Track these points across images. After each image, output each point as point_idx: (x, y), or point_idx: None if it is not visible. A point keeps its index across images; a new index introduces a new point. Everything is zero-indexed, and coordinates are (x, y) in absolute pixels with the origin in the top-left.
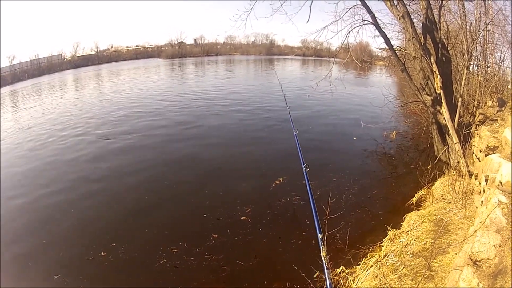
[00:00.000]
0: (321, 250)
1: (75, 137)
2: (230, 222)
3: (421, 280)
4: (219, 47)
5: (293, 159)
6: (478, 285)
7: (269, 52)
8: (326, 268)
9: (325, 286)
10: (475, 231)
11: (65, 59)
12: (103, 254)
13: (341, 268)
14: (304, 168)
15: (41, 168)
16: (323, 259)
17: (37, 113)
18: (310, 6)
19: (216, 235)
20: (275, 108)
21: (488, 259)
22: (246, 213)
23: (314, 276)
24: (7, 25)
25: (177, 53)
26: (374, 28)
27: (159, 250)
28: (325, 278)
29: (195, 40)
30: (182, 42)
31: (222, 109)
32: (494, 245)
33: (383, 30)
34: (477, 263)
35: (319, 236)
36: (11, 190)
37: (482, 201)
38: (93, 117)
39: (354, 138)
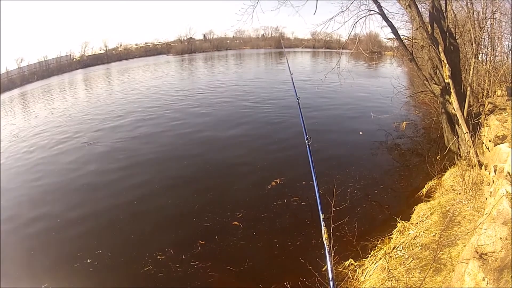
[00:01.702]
0: (323, 231)
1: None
2: (220, 228)
3: (428, 272)
4: (228, 41)
5: (292, 159)
6: (483, 280)
7: (279, 45)
8: (328, 251)
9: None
10: (482, 223)
11: (74, 59)
12: (88, 261)
13: (349, 261)
14: (306, 142)
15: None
16: (324, 241)
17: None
18: None
19: (203, 242)
20: (277, 105)
21: (494, 252)
22: (238, 218)
23: (317, 273)
24: (15, 28)
25: (186, 49)
26: (381, 18)
27: (145, 256)
28: (326, 261)
29: (204, 35)
30: (191, 37)
31: (219, 105)
32: (501, 238)
33: (390, 20)
34: (483, 256)
35: (321, 216)
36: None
37: (491, 192)
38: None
39: (360, 133)
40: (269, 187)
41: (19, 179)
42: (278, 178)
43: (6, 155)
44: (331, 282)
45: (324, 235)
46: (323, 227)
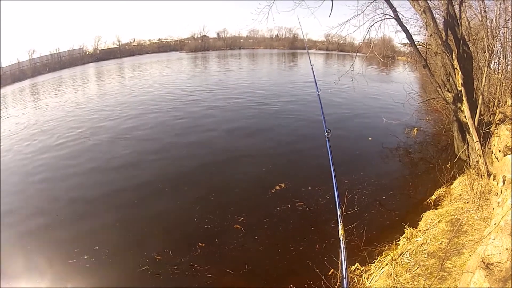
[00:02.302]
0: (339, 227)
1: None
2: (220, 231)
3: (434, 280)
4: (242, 40)
5: (298, 163)
6: None
7: (292, 46)
8: (343, 247)
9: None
10: (489, 233)
11: (87, 53)
12: (85, 257)
13: (356, 265)
14: (326, 134)
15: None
16: (340, 237)
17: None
18: (332, 0)
19: (203, 244)
20: (285, 106)
21: (500, 262)
22: (239, 222)
23: (323, 276)
24: (28, 19)
25: (200, 46)
26: (396, 22)
27: (143, 256)
28: (341, 258)
29: (218, 33)
30: (205, 35)
31: (227, 104)
32: (507, 249)
33: (405, 25)
34: (489, 266)
35: (338, 211)
36: None
37: (499, 202)
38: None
39: (370, 139)
40: (272, 191)
41: (20, 175)
42: (282, 183)
43: (14, 150)
44: (344, 279)
45: (341, 231)
46: (340, 223)
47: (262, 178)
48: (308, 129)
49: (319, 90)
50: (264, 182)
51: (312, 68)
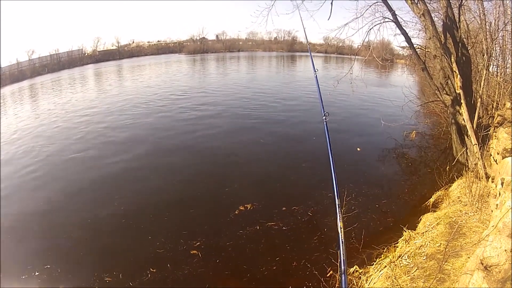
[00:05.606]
0: (338, 220)
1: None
2: (173, 256)
3: (432, 282)
4: (241, 43)
5: (268, 181)
6: None
7: (291, 48)
8: (342, 241)
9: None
10: (488, 235)
11: (86, 54)
12: (36, 273)
13: (354, 267)
14: (324, 118)
15: None
16: (339, 230)
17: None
18: (331, 3)
19: (154, 270)
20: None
21: (498, 264)
22: (195, 247)
23: None
24: (27, 20)
25: (199, 48)
26: (395, 25)
27: (93, 276)
28: (340, 253)
29: (217, 35)
30: (204, 37)
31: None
32: (506, 250)
33: (404, 28)
34: (487, 268)
35: (337, 201)
36: None
37: (497, 205)
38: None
39: (358, 149)
40: (236, 212)
41: None
42: (248, 203)
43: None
44: (343, 275)
45: (340, 223)
46: (338, 214)
47: (223, 198)
48: (286, 144)
49: (316, 70)
50: (225, 202)
51: (310, 53)
